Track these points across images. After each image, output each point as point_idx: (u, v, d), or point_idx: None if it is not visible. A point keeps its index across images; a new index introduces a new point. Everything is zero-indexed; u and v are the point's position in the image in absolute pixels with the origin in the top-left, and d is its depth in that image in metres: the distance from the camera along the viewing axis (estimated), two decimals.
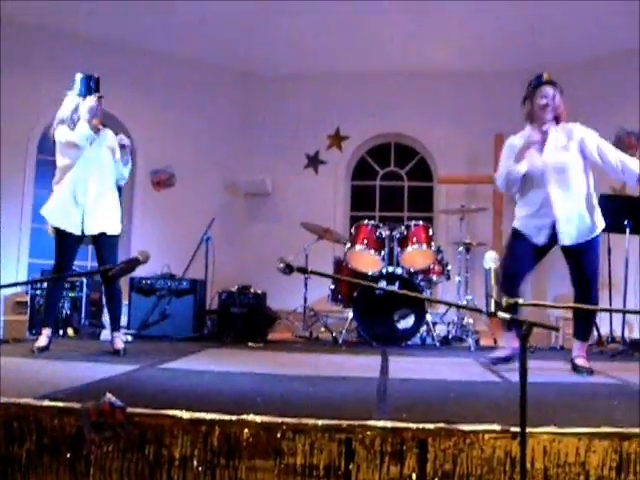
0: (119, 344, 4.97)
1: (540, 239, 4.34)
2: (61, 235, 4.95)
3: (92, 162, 4.92)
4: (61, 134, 4.92)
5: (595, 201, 4.34)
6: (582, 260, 4.27)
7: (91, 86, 4.92)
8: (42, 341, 4.91)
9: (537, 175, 4.31)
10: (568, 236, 4.27)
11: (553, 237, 4.32)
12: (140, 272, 5.64)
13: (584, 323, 4.45)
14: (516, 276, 4.36)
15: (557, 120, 4.42)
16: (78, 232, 4.92)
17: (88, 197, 4.90)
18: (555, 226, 4.28)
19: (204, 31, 8.46)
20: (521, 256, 4.42)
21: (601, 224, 4.33)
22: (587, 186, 4.34)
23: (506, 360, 4.47)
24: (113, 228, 5.04)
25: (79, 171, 4.88)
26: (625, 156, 4.30)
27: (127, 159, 5.07)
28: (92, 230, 4.94)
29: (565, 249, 4.33)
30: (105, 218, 4.99)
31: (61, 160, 4.94)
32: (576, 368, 4.32)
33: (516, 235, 4.46)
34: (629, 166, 4.23)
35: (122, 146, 5.00)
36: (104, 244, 4.99)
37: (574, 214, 4.27)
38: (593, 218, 4.30)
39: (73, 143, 4.87)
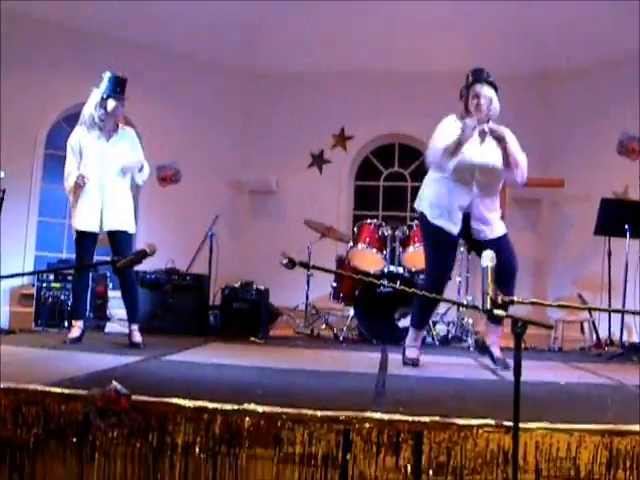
0: (137, 337, 5.05)
1: (455, 231, 4.36)
2: (79, 233, 5.03)
3: (108, 160, 5.02)
4: (73, 139, 5.03)
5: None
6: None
7: (116, 88, 4.99)
8: (74, 332, 5.02)
9: (467, 170, 4.28)
10: (485, 232, 4.35)
11: (464, 231, 4.38)
12: (145, 266, 5.71)
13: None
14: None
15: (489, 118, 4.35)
16: (96, 229, 5.00)
17: (105, 194, 4.99)
18: (468, 221, 4.35)
19: (208, 30, 8.51)
20: (451, 257, 4.51)
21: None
22: (498, 193, 4.49)
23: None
24: (128, 225, 5.13)
25: (95, 169, 4.97)
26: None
27: (140, 169, 5.15)
28: (108, 227, 5.03)
29: (479, 243, 4.34)
30: (121, 215, 5.08)
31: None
32: (494, 360, 4.45)
33: (439, 231, 4.39)
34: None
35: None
36: (120, 240, 5.06)
37: (491, 214, 4.38)
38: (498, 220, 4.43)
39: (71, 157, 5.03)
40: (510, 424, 2.23)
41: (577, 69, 8.34)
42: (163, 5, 8.12)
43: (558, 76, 8.66)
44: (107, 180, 5.00)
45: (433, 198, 4.43)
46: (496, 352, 4.47)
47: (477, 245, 4.36)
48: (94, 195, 4.96)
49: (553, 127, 8.72)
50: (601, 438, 2.35)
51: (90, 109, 5.00)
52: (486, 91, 4.31)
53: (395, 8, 8.26)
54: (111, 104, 4.96)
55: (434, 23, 8.36)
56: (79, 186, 4.90)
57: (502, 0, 7.95)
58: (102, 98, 4.96)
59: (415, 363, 4.41)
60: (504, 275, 3.96)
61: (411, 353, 4.48)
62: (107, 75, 5.01)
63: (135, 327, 5.09)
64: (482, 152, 4.30)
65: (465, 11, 8.20)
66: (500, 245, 4.21)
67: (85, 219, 4.98)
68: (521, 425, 2.17)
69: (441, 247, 4.43)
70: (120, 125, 5.11)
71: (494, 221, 4.40)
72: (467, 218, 4.35)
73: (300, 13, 8.46)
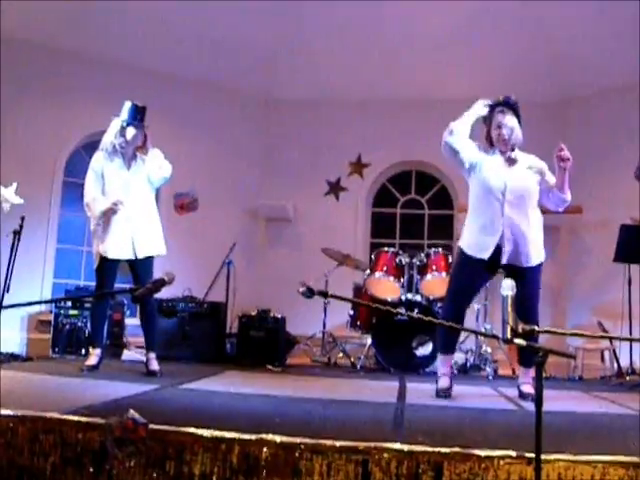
0: (155, 365, 5.03)
1: (485, 255, 4.30)
2: (104, 260, 5.04)
3: (132, 188, 5.06)
4: (96, 163, 5.07)
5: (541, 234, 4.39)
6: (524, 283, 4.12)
7: (136, 116, 5.04)
8: (92, 360, 5.00)
9: (497, 194, 4.25)
10: (513, 257, 4.27)
11: (496, 256, 4.29)
12: (162, 294, 5.70)
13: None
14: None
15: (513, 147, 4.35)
16: (129, 257, 5.02)
17: (133, 223, 5.02)
18: (501, 246, 4.27)
19: (224, 57, 8.63)
20: (473, 279, 4.46)
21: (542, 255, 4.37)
22: (537, 217, 4.39)
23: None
24: (160, 249, 5.18)
25: (121, 198, 4.98)
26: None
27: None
28: (143, 254, 5.05)
29: (509, 269, 4.28)
30: (153, 239, 5.12)
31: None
32: (522, 394, 4.37)
33: (466, 256, 4.39)
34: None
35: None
36: (145, 266, 5.07)
37: (523, 239, 4.27)
38: (538, 247, 4.34)
39: (92, 180, 5.05)
40: (532, 455, 2.19)
41: (594, 94, 8.32)
42: (179, 32, 8.25)
43: (574, 102, 8.65)
44: (133, 208, 5.03)
45: (469, 232, 4.42)
46: (525, 389, 4.39)
47: (510, 271, 4.26)
48: (123, 224, 4.99)
49: (570, 153, 8.66)
50: (626, 471, 2.30)
51: (110, 137, 5.06)
52: (508, 120, 4.31)
53: (412, 35, 8.33)
54: (130, 132, 5.01)
55: (452, 50, 8.40)
56: (114, 211, 4.93)
57: (519, 25, 8.02)
58: (122, 126, 5.02)
59: (447, 395, 4.28)
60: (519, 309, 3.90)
61: (442, 382, 4.37)
62: (127, 104, 5.07)
63: (152, 355, 5.08)
64: (510, 177, 4.27)
65: (482, 37, 8.25)
66: (526, 276, 4.19)
67: (116, 248, 4.99)
68: (543, 457, 2.12)
69: (467, 273, 4.42)
70: (138, 154, 5.15)
71: (526, 247, 4.29)
72: (499, 247, 4.29)
73: (316, 41, 8.54)
